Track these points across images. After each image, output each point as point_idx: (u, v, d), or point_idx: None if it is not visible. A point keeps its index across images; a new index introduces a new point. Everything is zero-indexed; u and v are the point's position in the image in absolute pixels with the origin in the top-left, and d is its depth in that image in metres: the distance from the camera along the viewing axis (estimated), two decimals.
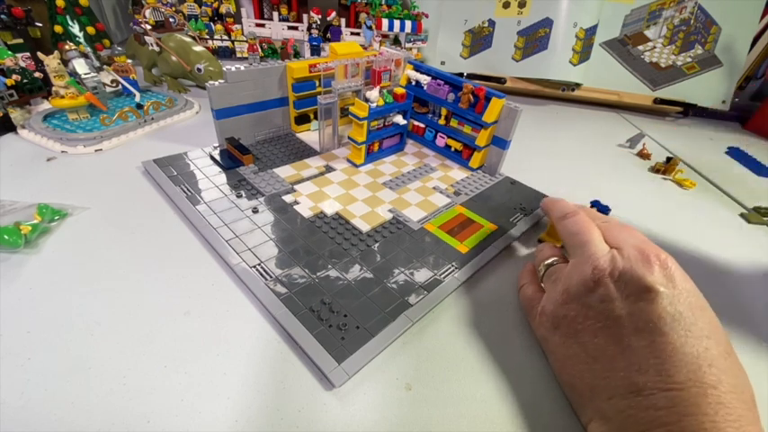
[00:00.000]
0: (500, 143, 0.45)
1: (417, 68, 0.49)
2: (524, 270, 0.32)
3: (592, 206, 0.37)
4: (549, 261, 0.28)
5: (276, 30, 0.83)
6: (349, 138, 0.45)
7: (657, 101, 0.76)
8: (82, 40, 0.63)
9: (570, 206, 0.29)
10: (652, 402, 0.18)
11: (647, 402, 0.18)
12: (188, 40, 0.60)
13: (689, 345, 0.19)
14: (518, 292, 0.30)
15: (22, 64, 0.50)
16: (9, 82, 0.47)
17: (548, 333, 0.25)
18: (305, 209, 0.37)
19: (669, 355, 0.19)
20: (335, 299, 0.28)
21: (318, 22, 0.76)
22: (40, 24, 0.58)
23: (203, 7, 0.78)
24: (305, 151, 0.47)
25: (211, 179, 0.40)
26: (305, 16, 0.79)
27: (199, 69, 0.57)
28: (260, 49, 0.75)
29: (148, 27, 0.59)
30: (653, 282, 0.20)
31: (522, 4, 0.72)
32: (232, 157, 0.43)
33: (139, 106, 0.50)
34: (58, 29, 0.61)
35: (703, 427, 0.17)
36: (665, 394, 0.18)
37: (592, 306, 0.22)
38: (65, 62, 0.49)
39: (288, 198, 0.38)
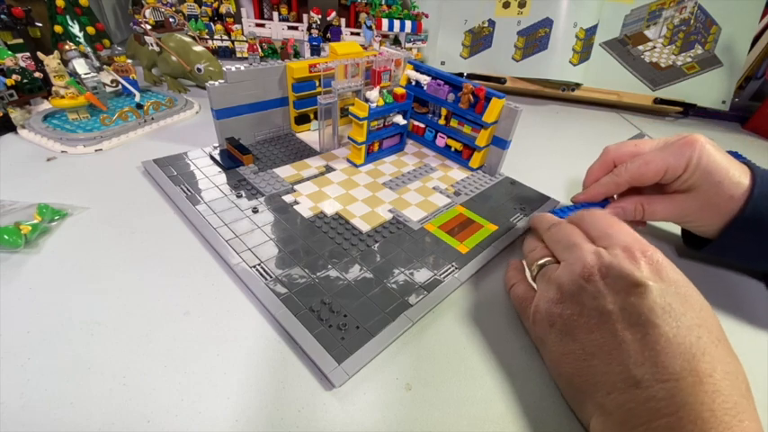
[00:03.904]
0: (500, 143, 0.45)
1: (417, 68, 0.49)
2: (511, 269, 0.32)
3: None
4: (542, 261, 0.28)
5: (276, 30, 0.83)
6: (349, 138, 0.45)
7: (657, 101, 0.76)
8: (82, 40, 0.63)
9: (554, 218, 0.30)
10: (651, 394, 0.19)
11: (645, 395, 0.19)
12: (188, 40, 0.60)
13: (681, 335, 0.19)
14: (508, 291, 0.31)
15: (22, 64, 0.50)
16: (9, 82, 0.47)
17: (543, 332, 0.25)
18: (305, 209, 0.37)
19: (663, 346, 0.19)
20: (335, 299, 0.28)
21: (318, 22, 0.76)
22: (40, 24, 0.58)
23: (203, 7, 0.78)
24: (305, 151, 0.47)
25: (211, 179, 0.40)
26: (305, 16, 0.79)
27: (199, 69, 0.57)
28: (260, 49, 0.75)
29: (148, 27, 0.59)
30: (641, 277, 0.21)
31: (522, 4, 0.72)
32: (232, 157, 0.43)
33: (139, 106, 0.50)
34: (58, 29, 0.61)
35: (702, 417, 0.17)
36: (662, 386, 0.18)
37: (585, 303, 0.22)
38: (65, 62, 0.49)
39: (288, 198, 0.38)
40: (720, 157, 0.31)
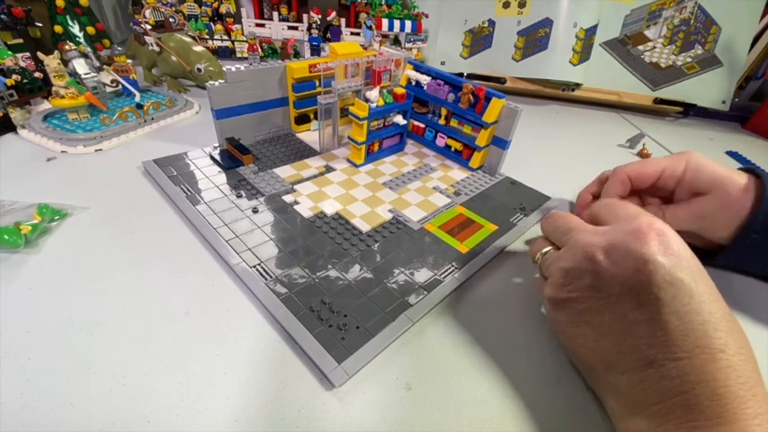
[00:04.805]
0: (500, 143, 0.45)
1: (417, 68, 0.49)
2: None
3: None
4: (544, 251, 0.27)
5: (276, 30, 0.83)
6: (349, 138, 0.45)
7: (657, 101, 0.76)
8: (82, 40, 0.63)
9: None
10: (664, 373, 0.18)
11: (659, 374, 0.19)
12: (188, 40, 0.60)
13: (693, 311, 0.19)
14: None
15: (22, 64, 0.50)
16: (9, 82, 0.47)
17: (555, 315, 0.25)
18: (305, 209, 0.37)
19: (675, 325, 0.19)
20: (335, 299, 0.28)
21: (318, 22, 0.76)
22: (40, 24, 0.58)
23: (203, 7, 0.78)
24: (305, 151, 0.47)
25: (211, 179, 0.40)
26: (305, 16, 0.79)
27: (199, 69, 0.57)
28: (260, 49, 0.75)
29: (148, 27, 0.59)
30: (649, 253, 0.20)
31: (522, 4, 0.72)
32: (232, 157, 0.43)
33: (139, 106, 0.50)
34: (58, 29, 0.61)
35: (717, 393, 0.17)
36: (675, 364, 0.18)
37: (591, 285, 0.22)
38: (65, 62, 0.49)
39: (288, 198, 0.38)
40: (714, 163, 0.32)
